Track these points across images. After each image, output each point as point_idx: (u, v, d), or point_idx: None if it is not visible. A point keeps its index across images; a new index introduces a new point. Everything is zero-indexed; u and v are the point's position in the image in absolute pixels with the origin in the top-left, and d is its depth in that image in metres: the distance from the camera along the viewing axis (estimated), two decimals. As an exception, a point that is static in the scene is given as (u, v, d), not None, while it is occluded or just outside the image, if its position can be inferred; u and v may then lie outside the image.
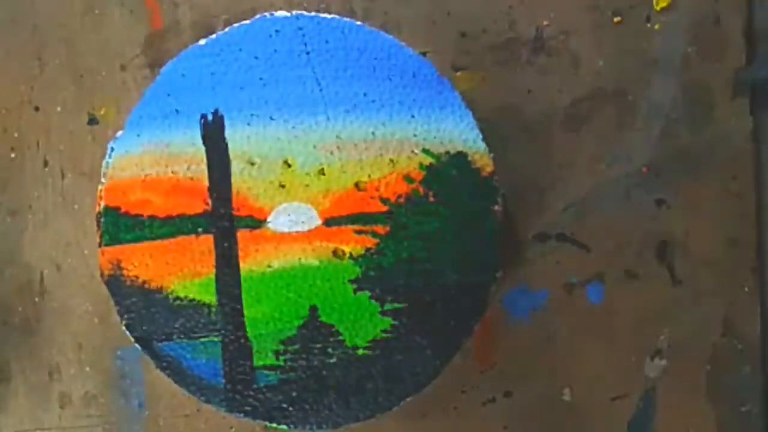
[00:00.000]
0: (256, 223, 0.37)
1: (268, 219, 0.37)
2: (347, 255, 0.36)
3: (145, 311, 0.37)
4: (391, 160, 0.36)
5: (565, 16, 0.39)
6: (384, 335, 0.36)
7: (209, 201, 0.37)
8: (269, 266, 0.36)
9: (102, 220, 0.38)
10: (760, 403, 0.39)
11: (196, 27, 0.42)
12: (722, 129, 0.38)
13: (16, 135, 0.46)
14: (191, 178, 0.37)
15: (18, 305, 0.46)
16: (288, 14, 0.37)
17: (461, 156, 0.36)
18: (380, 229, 0.36)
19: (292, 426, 0.37)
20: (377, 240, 0.36)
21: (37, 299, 0.46)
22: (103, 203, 0.38)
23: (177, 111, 0.37)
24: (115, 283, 0.38)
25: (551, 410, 0.40)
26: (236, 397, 0.37)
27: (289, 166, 0.36)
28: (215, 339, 0.37)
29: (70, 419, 0.45)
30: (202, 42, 0.37)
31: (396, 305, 0.36)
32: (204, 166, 0.37)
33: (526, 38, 0.39)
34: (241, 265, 0.36)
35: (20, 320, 0.46)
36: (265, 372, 0.36)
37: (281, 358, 0.36)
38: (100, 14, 0.44)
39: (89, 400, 0.45)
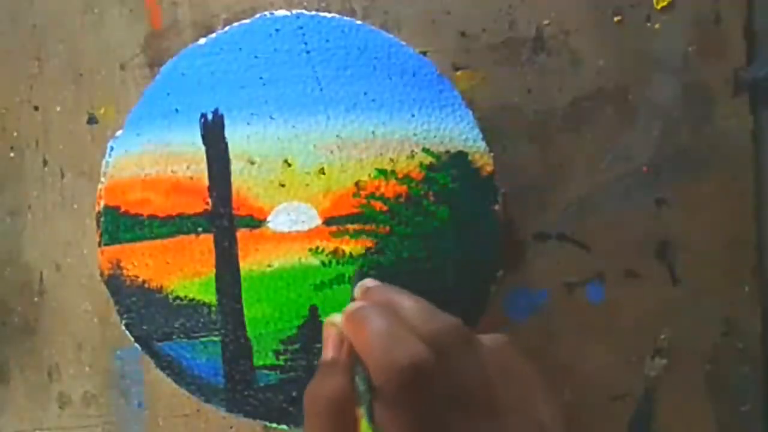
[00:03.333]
0: (256, 222, 0.36)
1: (268, 218, 0.37)
2: (347, 254, 0.36)
3: (144, 311, 0.37)
4: (391, 160, 0.36)
5: (565, 16, 0.39)
6: (384, 335, 0.36)
7: (209, 200, 0.37)
8: (269, 266, 0.36)
9: (102, 219, 0.38)
10: (760, 402, 0.39)
11: (196, 26, 0.42)
12: (722, 128, 0.38)
13: (15, 134, 0.45)
14: (191, 178, 0.37)
15: (17, 305, 0.46)
16: (288, 13, 0.37)
17: (461, 155, 0.36)
18: (380, 228, 0.36)
19: (292, 426, 0.37)
20: (377, 240, 0.36)
21: (36, 299, 0.46)
22: (102, 203, 0.38)
23: (177, 110, 0.37)
24: (114, 282, 0.38)
25: (551, 410, 0.40)
26: (236, 396, 0.37)
27: (289, 165, 0.36)
28: (215, 339, 0.37)
29: (69, 419, 0.45)
30: (202, 41, 0.37)
31: (396, 305, 0.36)
32: (204, 166, 0.37)
33: (526, 37, 0.39)
34: (241, 264, 0.36)
35: (20, 320, 0.46)
36: (265, 372, 0.36)
37: (281, 357, 0.36)
38: (100, 13, 0.44)
39: (89, 400, 0.45)
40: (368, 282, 0.31)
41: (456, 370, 0.24)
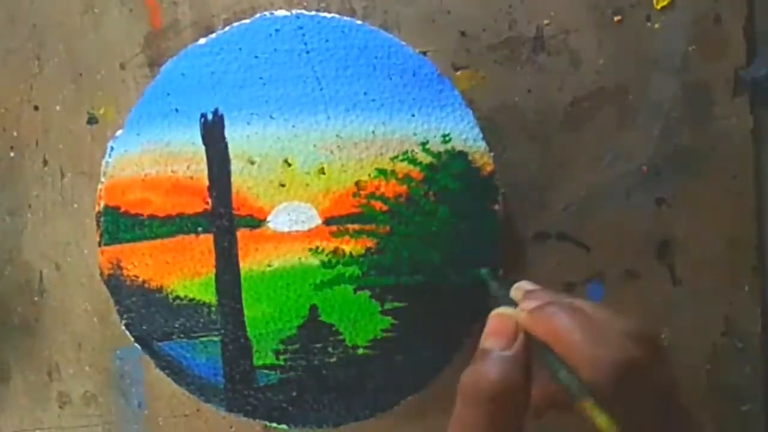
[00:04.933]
0: (256, 222, 0.36)
1: (268, 218, 0.37)
2: (347, 254, 0.36)
3: (144, 311, 0.37)
4: (391, 160, 0.36)
5: (565, 15, 0.39)
6: (384, 334, 0.36)
7: (209, 200, 0.37)
8: (269, 265, 0.36)
9: (102, 219, 0.38)
10: (760, 402, 0.39)
11: (196, 26, 0.42)
12: (722, 128, 0.38)
13: (15, 134, 0.45)
14: (191, 178, 0.37)
15: (17, 305, 0.46)
16: (288, 13, 0.37)
17: (461, 155, 0.36)
18: (380, 228, 0.36)
19: (292, 425, 0.37)
20: (377, 239, 0.36)
21: (36, 299, 0.46)
22: (102, 202, 0.38)
23: (177, 110, 0.37)
24: (114, 282, 0.38)
25: (551, 410, 0.40)
26: (236, 396, 0.37)
27: (289, 165, 0.36)
28: (215, 338, 0.37)
29: (69, 419, 0.45)
30: (202, 41, 0.37)
31: (396, 304, 0.36)
32: (204, 166, 0.37)
33: (526, 37, 0.39)
34: (241, 264, 0.36)
35: (20, 320, 0.46)
36: (265, 371, 0.36)
37: (281, 357, 0.36)
38: (100, 13, 0.44)
39: (89, 400, 0.45)
40: (526, 285, 0.30)
41: (658, 374, 0.24)
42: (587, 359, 0.23)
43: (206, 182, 0.37)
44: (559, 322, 0.25)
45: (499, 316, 0.27)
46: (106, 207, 0.38)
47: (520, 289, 0.30)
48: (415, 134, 0.36)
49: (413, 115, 0.36)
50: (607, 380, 0.23)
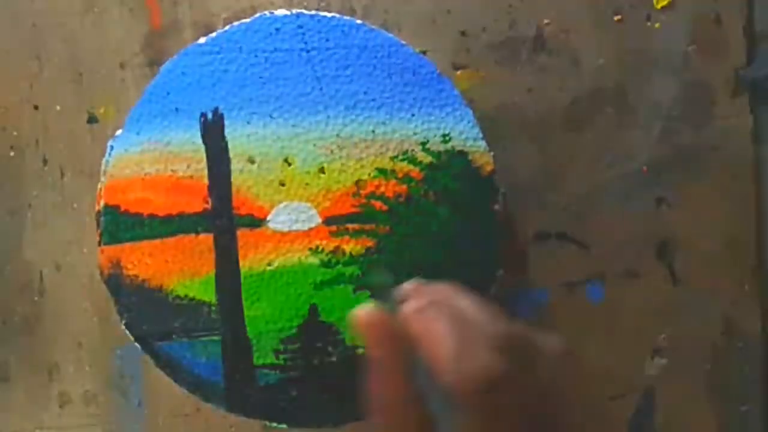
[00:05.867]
0: (256, 221, 0.36)
1: (268, 218, 0.37)
2: (347, 254, 0.36)
3: (144, 310, 0.37)
4: (391, 159, 0.36)
5: (565, 15, 0.39)
6: (384, 334, 0.36)
7: (209, 200, 0.37)
8: (269, 265, 0.36)
9: (102, 218, 0.38)
10: (760, 402, 0.39)
11: (196, 25, 0.42)
12: (722, 128, 0.38)
13: (15, 134, 0.45)
14: (191, 177, 0.37)
15: (17, 305, 0.46)
16: (288, 13, 0.37)
17: (461, 155, 0.36)
18: (380, 228, 0.36)
19: (292, 425, 0.37)
20: (377, 239, 0.36)
21: (36, 298, 0.46)
22: (102, 202, 0.38)
23: (177, 109, 0.37)
24: (114, 282, 0.37)
25: (551, 410, 0.40)
26: (236, 396, 0.37)
27: (289, 164, 0.36)
28: (215, 338, 0.37)
29: (69, 418, 0.45)
30: (202, 40, 0.37)
31: (396, 304, 0.36)
32: (204, 165, 0.37)
33: (526, 37, 0.39)
34: (241, 263, 0.36)
35: (20, 320, 0.46)
36: (265, 371, 0.36)
37: (281, 357, 0.36)
38: (100, 12, 0.44)
39: (89, 399, 0.45)
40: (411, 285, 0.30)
41: (524, 379, 0.24)
42: (452, 372, 0.23)
43: (206, 182, 0.37)
44: (434, 327, 0.24)
45: (367, 318, 0.27)
46: (106, 206, 0.38)
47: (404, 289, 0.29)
48: (415, 134, 0.36)
49: (413, 115, 0.36)
50: (466, 395, 0.23)
